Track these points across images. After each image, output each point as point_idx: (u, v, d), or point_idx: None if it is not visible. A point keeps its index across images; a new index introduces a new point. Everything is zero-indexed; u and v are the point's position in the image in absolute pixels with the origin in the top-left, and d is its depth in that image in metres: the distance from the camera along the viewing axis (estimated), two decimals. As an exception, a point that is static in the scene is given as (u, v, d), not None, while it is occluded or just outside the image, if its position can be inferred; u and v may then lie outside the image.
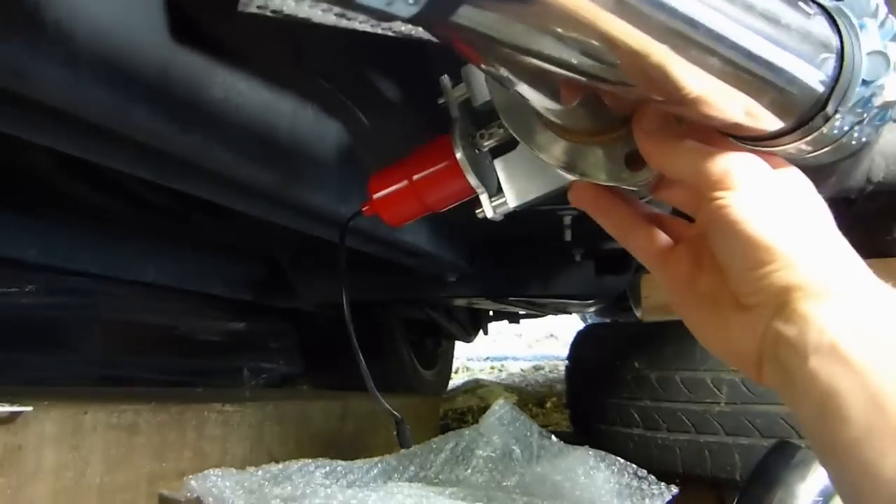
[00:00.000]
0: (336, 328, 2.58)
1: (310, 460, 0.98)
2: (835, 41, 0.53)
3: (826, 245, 0.49)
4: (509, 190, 0.71)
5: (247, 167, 0.78)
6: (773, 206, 0.49)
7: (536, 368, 5.21)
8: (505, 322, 3.80)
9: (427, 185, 0.73)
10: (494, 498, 0.86)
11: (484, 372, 5.40)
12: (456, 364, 5.51)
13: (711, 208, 0.51)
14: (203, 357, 1.93)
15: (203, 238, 1.68)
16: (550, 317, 3.70)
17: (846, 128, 0.56)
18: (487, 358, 6.12)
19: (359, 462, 1.02)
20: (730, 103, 0.50)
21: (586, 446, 1.18)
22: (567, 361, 1.87)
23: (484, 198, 0.71)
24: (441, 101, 0.72)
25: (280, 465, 0.98)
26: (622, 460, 1.12)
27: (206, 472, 0.96)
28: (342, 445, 1.13)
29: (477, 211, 0.72)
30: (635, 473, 1.10)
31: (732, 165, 0.51)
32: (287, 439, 1.17)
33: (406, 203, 0.75)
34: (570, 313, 3.43)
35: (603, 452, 1.14)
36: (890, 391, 0.41)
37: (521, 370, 5.35)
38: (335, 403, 1.37)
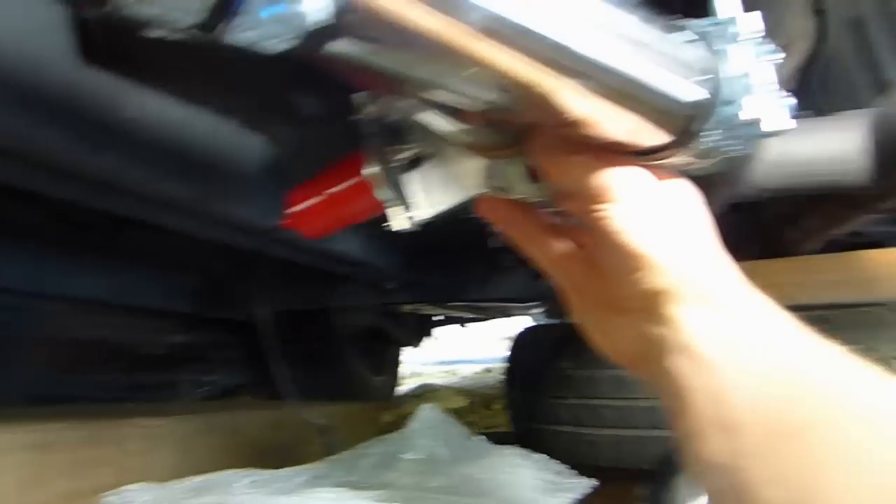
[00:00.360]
0: (283, 338, 2.58)
1: (234, 470, 0.99)
2: (705, 64, 0.58)
3: (697, 252, 0.53)
4: (419, 203, 0.73)
5: (165, 184, 0.79)
6: (649, 217, 0.53)
7: (487, 371, 5.24)
8: (457, 326, 3.85)
9: (342, 200, 0.75)
10: (414, 499, 0.88)
11: (435, 376, 5.39)
12: (407, 369, 5.51)
13: (594, 219, 0.55)
14: (140, 372, 1.91)
15: (138, 252, 1.67)
16: (506, 320, 3.75)
17: (721, 142, 0.60)
18: (440, 362, 6.11)
19: (285, 470, 1.03)
20: (611, 124, 0.54)
21: (513, 446, 1.21)
22: (506, 363, 1.91)
23: (394, 211, 0.74)
24: (355, 117, 0.74)
25: (202, 478, 0.98)
26: (544, 457, 1.16)
27: (123, 487, 0.95)
28: (275, 456, 1.13)
29: (384, 224, 0.74)
30: (556, 469, 1.14)
31: (613, 179, 0.54)
32: (216, 452, 1.17)
33: (322, 217, 0.77)
34: (513, 316, 3.48)
35: (526, 451, 1.18)
36: (730, 387, 0.45)
37: (473, 373, 5.36)
38: (268, 414, 1.37)
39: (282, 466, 1.09)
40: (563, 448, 1.51)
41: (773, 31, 1.01)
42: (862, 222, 1.17)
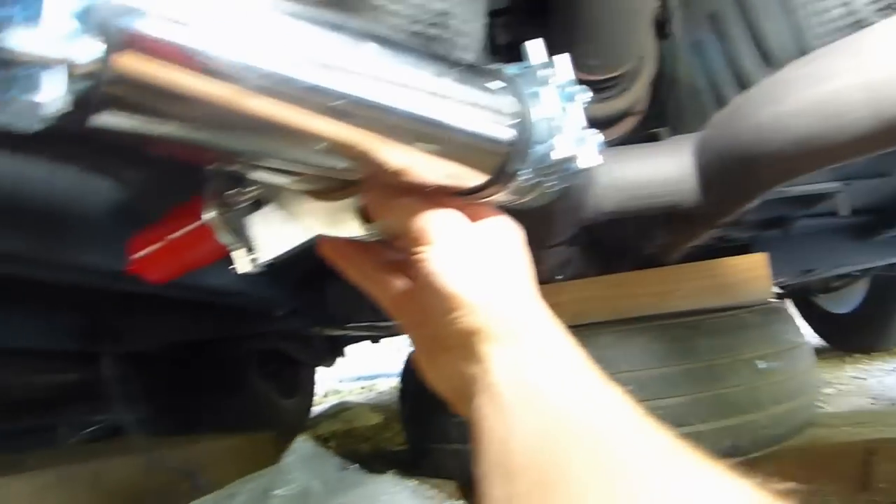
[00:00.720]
0: (183, 368, 2.53)
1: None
2: (514, 109, 0.61)
3: (509, 291, 0.55)
4: (261, 245, 0.73)
5: (3, 237, 0.77)
6: (463, 258, 0.55)
7: (405, 385, 5.22)
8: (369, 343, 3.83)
9: (182, 245, 0.75)
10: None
11: (354, 393, 5.36)
12: (325, 387, 5.45)
13: (414, 261, 0.57)
14: (15, 417, 1.82)
15: (11, 293, 1.60)
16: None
17: (537, 180, 0.64)
18: (358, 378, 6.06)
19: (141, 520, 1.01)
20: (429, 171, 0.56)
21: (391, 471, 1.23)
22: (400, 382, 1.92)
23: (238, 254, 0.74)
24: (196, 166, 0.73)
25: None
26: (415, 481, 1.18)
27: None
28: (148, 500, 1.10)
29: (230, 267, 0.74)
30: (425, 493, 1.16)
31: (430, 222, 0.56)
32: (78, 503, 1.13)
33: (164, 262, 0.76)
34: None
35: (399, 478, 1.19)
36: (517, 433, 0.47)
37: (390, 388, 5.35)
38: (139, 459, 1.33)
39: (157, 511, 1.06)
40: (455, 466, 1.52)
41: (621, 56, 1.07)
42: (714, 234, 1.24)
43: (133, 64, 0.35)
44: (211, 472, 1.01)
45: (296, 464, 1.19)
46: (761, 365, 1.41)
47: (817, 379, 1.66)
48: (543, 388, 0.48)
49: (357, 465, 1.27)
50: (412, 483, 1.19)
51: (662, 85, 1.30)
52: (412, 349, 0.67)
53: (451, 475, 1.40)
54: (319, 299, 1.79)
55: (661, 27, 1.25)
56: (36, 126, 0.35)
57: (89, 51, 0.33)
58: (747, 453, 1.39)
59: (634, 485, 0.41)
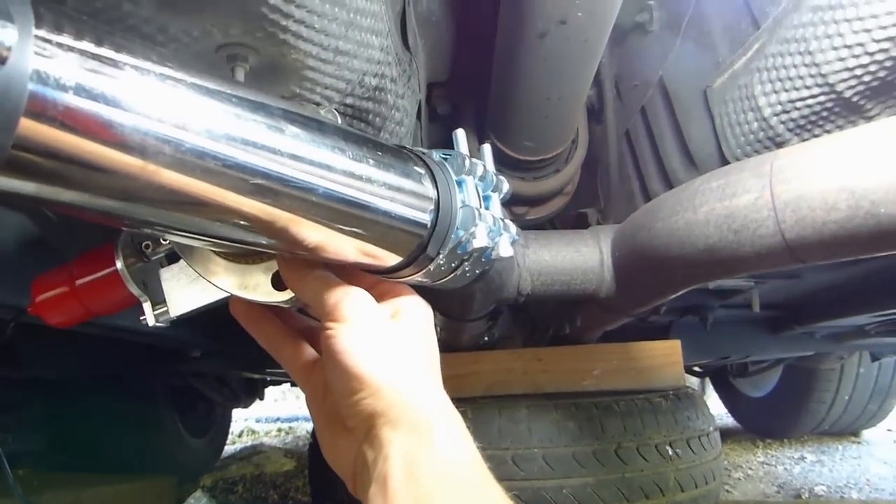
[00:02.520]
0: (90, 398, 2.42)
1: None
2: (433, 194, 0.62)
3: (414, 378, 0.55)
4: (172, 300, 0.72)
5: None
6: (373, 341, 0.55)
7: (324, 430, 5.13)
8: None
9: (90, 291, 0.73)
10: None
11: (270, 435, 5.23)
12: (240, 427, 5.31)
13: (323, 337, 0.57)
14: None
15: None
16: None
17: (453, 264, 0.65)
18: (277, 419, 5.94)
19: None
20: (343, 248, 0.56)
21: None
22: (311, 437, 1.88)
23: (146, 307, 0.72)
24: (111, 217, 0.72)
25: None
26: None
27: None
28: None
29: (140, 318, 0.72)
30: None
31: (342, 299, 0.56)
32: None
33: (68, 307, 0.74)
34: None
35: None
36: None
37: (307, 432, 5.25)
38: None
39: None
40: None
41: (555, 139, 1.10)
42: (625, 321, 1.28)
43: (34, 128, 0.35)
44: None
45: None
46: (669, 451, 1.43)
47: (723, 467, 1.69)
48: (432, 489, 0.48)
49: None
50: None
51: (594, 168, 1.34)
52: (314, 420, 0.66)
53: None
54: (238, 343, 1.75)
55: (596, 114, 1.30)
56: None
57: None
58: (649, 539, 1.40)
59: None
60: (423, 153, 0.66)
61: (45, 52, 0.34)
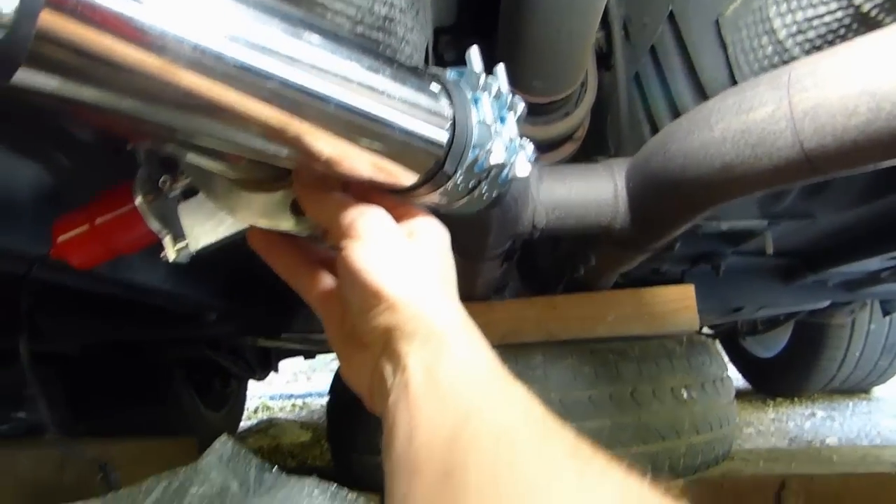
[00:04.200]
0: (106, 371, 2.45)
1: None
2: (449, 112, 0.62)
3: (429, 292, 0.55)
4: (191, 234, 0.72)
5: None
6: (388, 256, 0.55)
7: (336, 404, 5.17)
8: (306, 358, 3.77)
9: (110, 229, 0.73)
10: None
11: (284, 410, 5.28)
12: (255, 403, 5.36)
13: (339, 255, 0.57)
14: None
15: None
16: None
17: (470, 184, 0.65)
18: (290, 395, 5.99)
19: (53, 509, 0.97)
20: (359, 163, 0.56)
21: (312, 476, 1.21)
22: (329, 394, 1.90)
23: (167, 242, 0.72)
24: (129, 146, 0.72)
25: None
26: (336, 486, 1.16)
27: None
28: (60, 496, 1.05)
29: (161, 254, 0.73)
30: (346, 497, 1.15)
31: (358, 216, 0.57)
32: (-21, 494, 1.08)
33: (91, 247, 0.74)
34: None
35: (319, 480, 1.18)
36: (424, 430, 0.47)
37: (321, 406, 5.29)
38: (52, 453, 1.29)
39: (66, 507, 1.02)
40: (379, 478, 1.51)
41: (564, 80, 1.09)
42: (648, 259, 1.27)
43: (55, 21, 0.35)
44: (127, 472, 0.98)
45: (214, 463, 1.17)
46: (684, 394, 1.44)
47: (736, 412, 1.70)
48: (453, 389, 0.49)
49: (276, 467, 1.25)
50: (332, 487, 1.18)
51: (604, 114, 1.34)
52: (331, 344, 0.67)
53: (374, 489, 1.38)
54: (252, 304, 1.76)
55: (604, 58, 1.29)
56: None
57: (7, 2, 0.32)
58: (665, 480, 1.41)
59: (529, 484, 0.42)
60: (438, 71, 0.66)
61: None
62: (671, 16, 1.11)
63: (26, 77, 0.37)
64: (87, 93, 0.40)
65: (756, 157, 0.70)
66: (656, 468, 1.37)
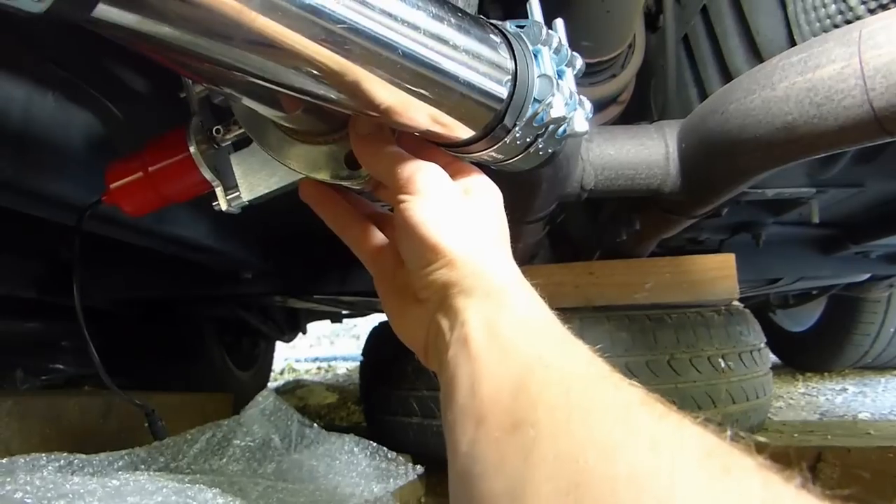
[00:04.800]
0: (138, 328, 2.49)
1: (42, 454, 0.93)
2: (510, 65, 0.61)
3: (485, 248, 0.55)
4: (244, 185, 0.72)
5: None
6: (446, 213, 0.55)
7: (363, 367, 5.24)
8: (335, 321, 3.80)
9: (163, 177, 0.73)
10: (239, 483, 0.87)
11: (310, 373, 5.35)
12: (282, 365, 5.44)
13: (397, 210, 0.57)
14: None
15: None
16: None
17: (528, 139, 0.64)
18: (315, 359, 6.07)
19: (101, 455, 0.98)
20: (417, 114, 0.56)
21: (349, 434, 1.23)
22: (362, 355, 1.91)
23: (219, 191, 0.73)
24: (182, 95, 0.72)
25: (5, 460, 0.91)
26: (375, 444, 1.18)
27: None
28: (103, 442, 1.08)
29: (213, 203, 0.73)
30: (386, 456, 1.16)
31: (416, 172, 0.56)
32: (31, 436, 1.10)
33: (143, 193, 0.74)
34: (380, 311, 3.47)
35: (359, 438, 1.19)
36: (489, 380, 0.47)
37: (347, 370, 5.35)
38: (97, 400, 1.31)
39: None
40: (413, 439, 1.53)
41: (612, 40, 1.07)
42: (688, 228, 1.26)
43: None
44: (168, 423, 1.00)
45: (256, 416, 1.18)
46: (721, 363, 1.44)
47: (772, 383, 1.69)
48: (515, 340, 0.48)
49: (316, 424, 1.27)
50: (371, 444, 1.19)
51: (648, 78, 1.31)
52: (381, 300, 0.67)
53: (407, 449, 1.40)
54: (287, 266, 1.78)
55: (653, 20, 1.26)
56: (41, 5, 0.34)
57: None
58: (699, 449, 1.41)
59: (603, 428, 0.41)
60: (499, 23, 0.64)
61: None
62: (727, -26, 1.08)
63: (106, 11, 0.37)
64: (162, 30, 0.40)
65: (821, 117, 0.68)
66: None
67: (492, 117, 0.60)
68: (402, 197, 0.56)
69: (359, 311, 3.25)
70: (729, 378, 1.44)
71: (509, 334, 0.49)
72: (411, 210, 0.55)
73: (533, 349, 0.48)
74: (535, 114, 0.61)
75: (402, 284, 0.61)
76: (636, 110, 1.35)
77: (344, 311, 3.33)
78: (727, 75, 1.10)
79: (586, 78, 1.18)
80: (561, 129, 0.65)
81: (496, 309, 0.51)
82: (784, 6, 0.92)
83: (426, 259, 0.54)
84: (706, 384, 1.40)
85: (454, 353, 0.51)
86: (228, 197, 0.73)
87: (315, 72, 0.47)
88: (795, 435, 1.68)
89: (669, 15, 1.24)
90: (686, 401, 1.38)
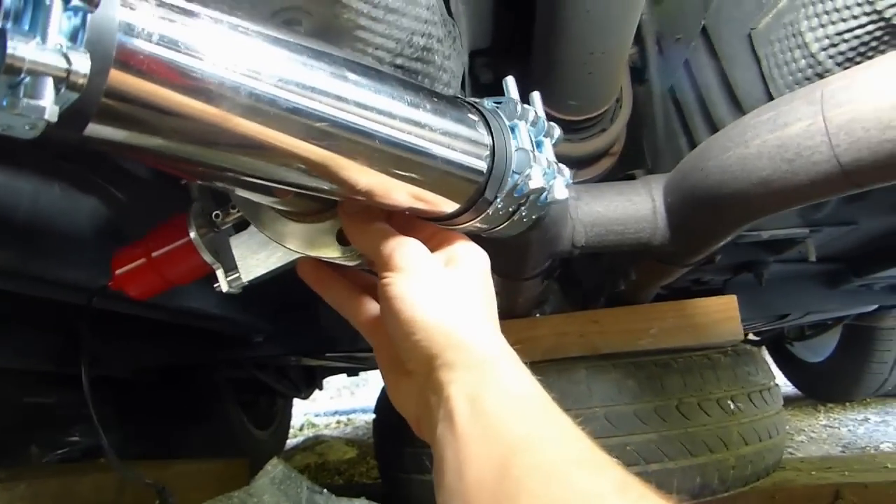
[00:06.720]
0: (155, 393, 2.50)
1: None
2: (488, 140, 0.64)
3: (468, 320, 0.57)
4: (243, 266, 0.75)
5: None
6: (424, 286, 0.57)
7: (381, 420, 5.21)
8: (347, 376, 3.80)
9: (166, 262, 0.76)
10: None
11: (329, 427, 5.32)
12: (301, 420, 5.41)
13: (379, 286, 0.59)
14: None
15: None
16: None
17: (511, 209, 0.67)
18: (335, 412, 6.03)
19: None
20: (399, 195, 0.59)
21: (361, 498, 1.23)
22: (375, 412, 1.91)
23: (220, 273, 0.75)
24: (183, 182, 0.76)
25: None
26: (385, 509, 1.19)
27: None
28: (119, 517, 1.09)
29: (214, 285, 0.76)
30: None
31: (396, 248, 0.59)
32: (43, 519, 1.12)
33: (147, 278, 0.78)
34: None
35: (368, 502, 1.20)
36: (473, 464, 0.48)
37: (367, 422, 5.32)
38: (111, 476, 1.33)
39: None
40: (428, 497, 1.52)
41: (599, 97, 1.11)
42: (690, 270, 1.28)
43: (124, 79, 0.38)
44: (182, 495, 1.01)
45: (266, 486, 1.19)
46: (731, 405, 1.43)
47: (786, 421, 1.68)
48: (499, 420, 0.50)
49: (326, 490, 1.27)
50: (379, 508, 1.20)
51: (640, 128, 1.34)
52: (381, 372, 0.69)
53: (421, 507, 1.40)
54: (297, 325, 1.80)
55: (640, 73, 1.30)
56: (33, 132, 0.37)
57: (82, 64, 0.34)
58: (716, 493, 1.41)
59: None
60: (476, 101, 0.68)
61: (130, 4, 0.37)
62: (704, 30, 1.11)
63: (97, 130, 0.39)
64: (151, 141, 0.43)
65: (793, 172, 0.71)
66: (706, 481, 1.36)
67: (473, 191, 0.63)
68: (384, 274, 0.59)
69: (373, 366, 3.25)
70: (739, 420, 1.43)
71: (493, 410, 0.50)
72: (390, 286, 0.57)
73: (517, 427, 0.49)
74: (515, 185, 0.64)
75: (396, 356, 0.63)
76: (632, 159, 1.38)
77: (357, 366, 3.33)
78: (713, 126, 1.13)
79: (576, 134, 1.21)
80: (542, 198, 0.67)
81: (479, 382, 0.52)
82: (758, 61, 0.95)
83: (406, 332, 0.56)
84: (717, 427, 1.40)
85: (441, 430, 0.52)
86: (229, 279, 0.75)
87: (298, 165, 0.50)
88: (813, 472, 1.66)
89: (654, 69, 1.27)
90: (697, 445, 1.37)
